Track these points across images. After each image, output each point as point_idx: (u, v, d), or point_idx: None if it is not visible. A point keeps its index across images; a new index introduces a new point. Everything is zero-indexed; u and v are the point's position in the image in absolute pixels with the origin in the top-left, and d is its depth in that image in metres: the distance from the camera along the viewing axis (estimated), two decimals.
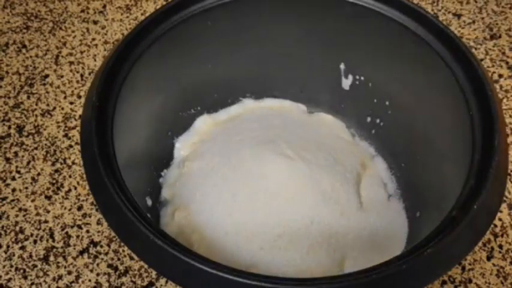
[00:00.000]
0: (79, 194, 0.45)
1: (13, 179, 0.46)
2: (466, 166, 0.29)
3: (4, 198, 0.45)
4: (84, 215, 0.43)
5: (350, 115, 0.47)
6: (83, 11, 0.60)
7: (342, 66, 0.43)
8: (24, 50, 0.56)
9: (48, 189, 0.45)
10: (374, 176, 0.43)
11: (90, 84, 0.33)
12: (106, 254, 0.41)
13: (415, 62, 0.36)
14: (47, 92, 0.52)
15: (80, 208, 0.44)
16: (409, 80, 0.39)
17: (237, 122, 0.45)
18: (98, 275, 0.40)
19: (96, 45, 0.56)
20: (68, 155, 0.47)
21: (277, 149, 0.40)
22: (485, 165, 0.28)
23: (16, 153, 0.48)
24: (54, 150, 0.48)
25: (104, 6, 0.60)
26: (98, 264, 0.41)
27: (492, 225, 0.41)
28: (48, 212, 0.44)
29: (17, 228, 0.43)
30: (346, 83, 0.44)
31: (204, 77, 0.43)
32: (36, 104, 0.51)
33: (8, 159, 0.47)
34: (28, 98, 0.52)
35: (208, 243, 0.37)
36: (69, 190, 0.45)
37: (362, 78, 0.43)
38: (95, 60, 0.55)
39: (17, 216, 0.44)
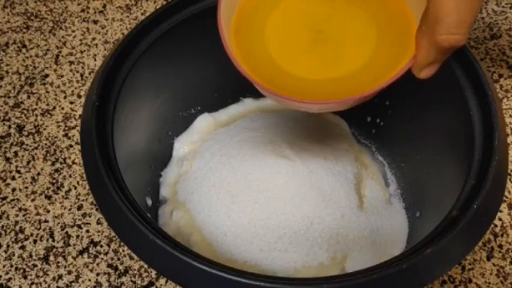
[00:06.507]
0: (79, 194, 0.45)
1: (13, 178, 0.46)
2: (466, 166, 0.29)
3: (4, 198, 0.45)
4: (84, 215, 0.43)
5: (350, 115, 0.47)
6: (83, 10, 0.60)
7: None
8: (24, 50, 0.56)
9: (48, 189, 0.45)
10: (374, 176, 0.43)
11: (90, 84, 0.33)
12: (106, 253, 0.41)
13: None
14: (47, 92, 0.52)
15: (79, 208, 0.44)
16: (409, 80, 0.39)
17: (237, 122, 0.45)
18: (97, 274, 0.40)
19: (96, 44, 0.56)
20: (68, 154, 0.47)
21: (277, 149, 0.39)
22: (485, 165, 0.28)
23: (16, 153, 0.48)
24: (54, 150, 0.48)
25: (104, 6, 0.60)
26: (97, 264, 0.41)
27: (492, 225, 0.41)
28: (48, 211, 0.44)
29: (17, 228, 0.43)
30: None
31: (204, 77, 0.43)
32: (36, 104, 0.51)
33: (8, 159, 0.47)
34: (28, 97, 0.52)
35: (207, 245, 0.37)
36: (69, 190, 0.45)
37: None
38: (95, 60, 0.55)
39: (17, 216, 0.44)
